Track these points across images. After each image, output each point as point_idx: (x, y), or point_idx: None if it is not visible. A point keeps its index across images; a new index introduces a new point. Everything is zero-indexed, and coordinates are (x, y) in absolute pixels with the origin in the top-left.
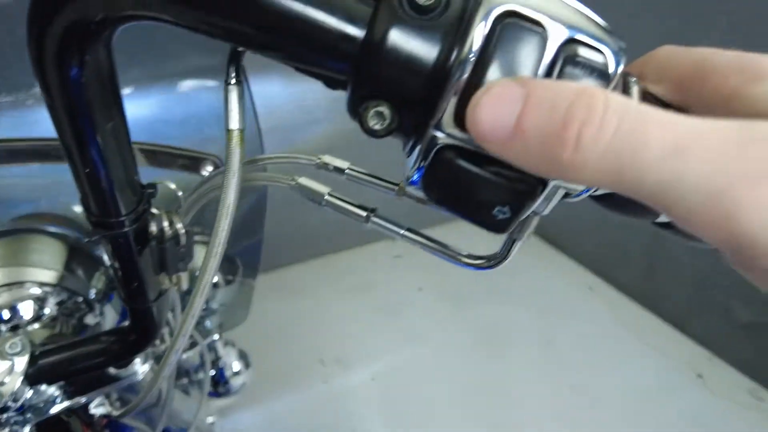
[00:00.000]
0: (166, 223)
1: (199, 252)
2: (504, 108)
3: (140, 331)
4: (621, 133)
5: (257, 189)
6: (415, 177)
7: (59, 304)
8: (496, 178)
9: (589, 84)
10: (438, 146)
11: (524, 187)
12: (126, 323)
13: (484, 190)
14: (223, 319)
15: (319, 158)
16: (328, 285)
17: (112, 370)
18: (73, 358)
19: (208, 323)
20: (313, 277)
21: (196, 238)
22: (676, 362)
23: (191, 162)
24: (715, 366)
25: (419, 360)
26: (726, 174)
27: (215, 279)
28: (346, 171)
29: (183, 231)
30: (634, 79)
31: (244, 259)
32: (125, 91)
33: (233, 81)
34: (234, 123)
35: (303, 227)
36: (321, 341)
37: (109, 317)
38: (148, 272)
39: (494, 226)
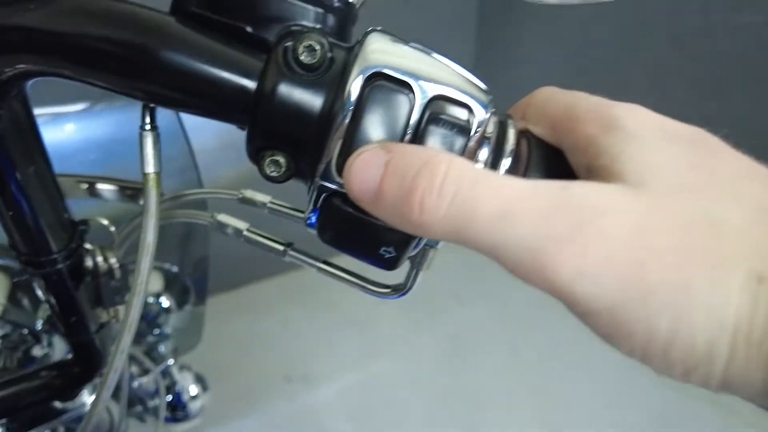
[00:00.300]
0: (99, 258)
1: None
2: (370, 173)
3: (84, 364)
4: (457, 201)
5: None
6: (312, 219)
7: (2, 337)
8: (378, 222)
9: (453, 140)
10: (326, 193)
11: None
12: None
13: (369, 234)
14: (177, 343)
15: (241, 193)
16: (291, 302)
17: (58, 404)
18: (15, 395)
19: (161, 348)
20: (275, 295)
21: None
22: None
23: (131, 192)
24: None
25: (387, 372)
26: (541, 236)
27: (167, 304)
28: (268, 205)
29: (117, 265)
30: (512, 121)
31: (193, 283)
32: (78, 107)
33: (147, 127)
34: (149, 167)
35: None
36: (286, 359)
37: (59, 347)
38: (86, 306)
39: (383, 264)
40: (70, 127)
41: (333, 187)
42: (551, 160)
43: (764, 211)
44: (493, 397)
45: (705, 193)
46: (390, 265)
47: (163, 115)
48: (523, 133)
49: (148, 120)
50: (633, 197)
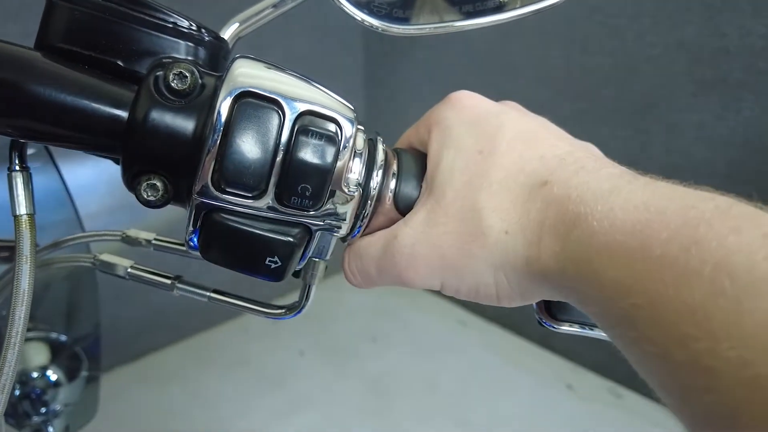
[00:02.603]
0: None
1: (33, 348)
2: None
3: None
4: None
5: (85, 271)
6: (194, 240)
7: None
8: (261, 232)
9: (324, 149)
10: (205, 210)
11: (289, 238)
12: None
13: (252, 244)
14: (68, 420)
15: (124, 233)
16: (202, 365)
17: None
18: None
19: (50, 429)
20: (184, 360)
21: (29, 334)
22: (547, 378)
23: (7, 253)
24: (580, 374)
25: (309, 427)
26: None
27: (55, 377)
28: (153, 241)
29: None
30: (380, 138)
31: (85, 351)
32: None
33: (17, 168)
34: (21, 209)
35: (167, 307)
36: (199, 429)
37: None
38: None
39: (271, 275)
40: None
41: (212, 203)
42: (418, 163)
43: (518, 174)
44: None
45: (475, 185)
46: (277, 275)
47: (44, 179)
48: (394, 150)
49: (16, 160)
50: (425, 205)
